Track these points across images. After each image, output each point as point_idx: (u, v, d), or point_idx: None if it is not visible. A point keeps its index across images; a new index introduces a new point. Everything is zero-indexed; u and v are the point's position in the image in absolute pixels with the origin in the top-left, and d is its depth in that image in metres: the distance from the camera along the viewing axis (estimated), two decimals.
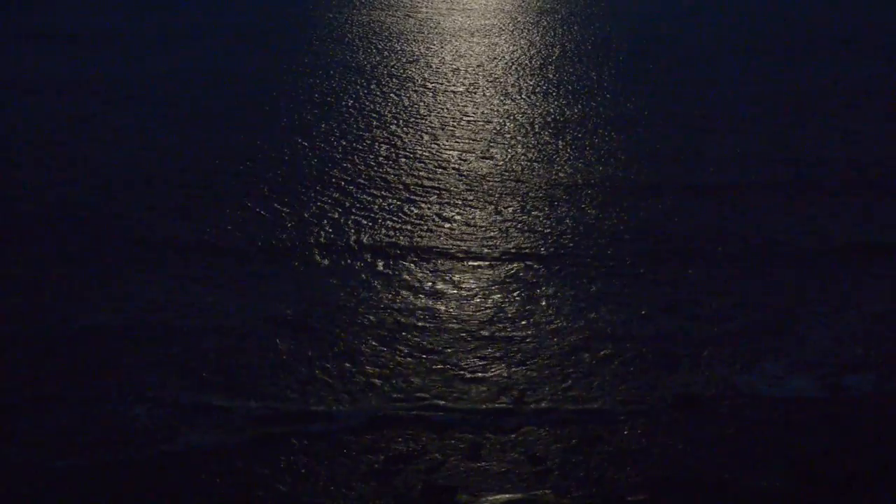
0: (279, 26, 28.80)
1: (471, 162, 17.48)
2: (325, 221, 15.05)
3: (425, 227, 14.57)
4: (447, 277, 13.65)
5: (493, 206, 15.09)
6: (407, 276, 13.51)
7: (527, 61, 23.29)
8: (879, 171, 16.53)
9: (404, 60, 23.04)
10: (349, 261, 14.29)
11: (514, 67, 22.53)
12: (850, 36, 25.76)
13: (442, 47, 25.17)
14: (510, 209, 15.80)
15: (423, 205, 15.87)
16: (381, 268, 13.55)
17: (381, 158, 17.47)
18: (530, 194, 16.15)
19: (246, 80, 22.47)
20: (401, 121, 19.29)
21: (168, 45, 25.54)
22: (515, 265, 13.72)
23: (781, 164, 17.49)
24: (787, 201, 15.69)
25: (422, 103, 20.20)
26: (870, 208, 15.43)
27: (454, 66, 22.86)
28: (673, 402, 12.02)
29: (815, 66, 21.86)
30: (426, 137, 18.59)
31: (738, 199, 15.87)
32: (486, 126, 19.22)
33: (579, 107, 19.70)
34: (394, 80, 22.23)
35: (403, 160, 17.44)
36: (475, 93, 21.79)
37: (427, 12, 32.03)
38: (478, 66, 22.93)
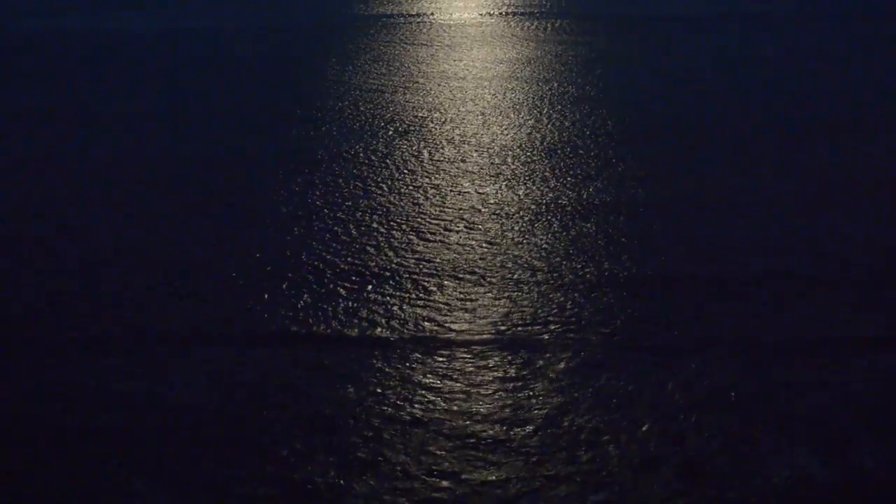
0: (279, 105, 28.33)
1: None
2: (336, 311, 14.00)
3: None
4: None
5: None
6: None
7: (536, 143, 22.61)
8: None
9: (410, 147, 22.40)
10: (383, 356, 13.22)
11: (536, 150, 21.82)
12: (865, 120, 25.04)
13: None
14: (526, 298, 14.75)
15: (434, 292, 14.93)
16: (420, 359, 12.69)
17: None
18: (546, 288, 15.15)
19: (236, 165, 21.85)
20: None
21: (158, 125, 25.10)
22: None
23: (802, 255, 16.53)
24: (807, 296, 14.60)
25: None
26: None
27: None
28: None
29: (833, 148, 21.23)
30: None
31: (758, 293, 14.79)
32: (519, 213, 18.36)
33: (573, 193, 18.82)
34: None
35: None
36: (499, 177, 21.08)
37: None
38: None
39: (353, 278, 15.42)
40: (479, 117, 24.50)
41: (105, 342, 13.53)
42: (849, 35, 35.63)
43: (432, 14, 46.27)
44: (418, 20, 45.15)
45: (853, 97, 27.31)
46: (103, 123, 24.71)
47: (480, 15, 45.55)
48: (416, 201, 18.80)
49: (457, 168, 20.94)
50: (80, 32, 42.54)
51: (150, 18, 46.53)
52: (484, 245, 16.63)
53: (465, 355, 12.86)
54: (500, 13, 46.16)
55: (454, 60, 33.59)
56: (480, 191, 19.44)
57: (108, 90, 29.45)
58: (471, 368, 12.69)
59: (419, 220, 17.99)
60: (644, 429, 12.14)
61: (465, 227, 17.74)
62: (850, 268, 15.62)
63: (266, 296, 14.57)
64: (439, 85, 29.14)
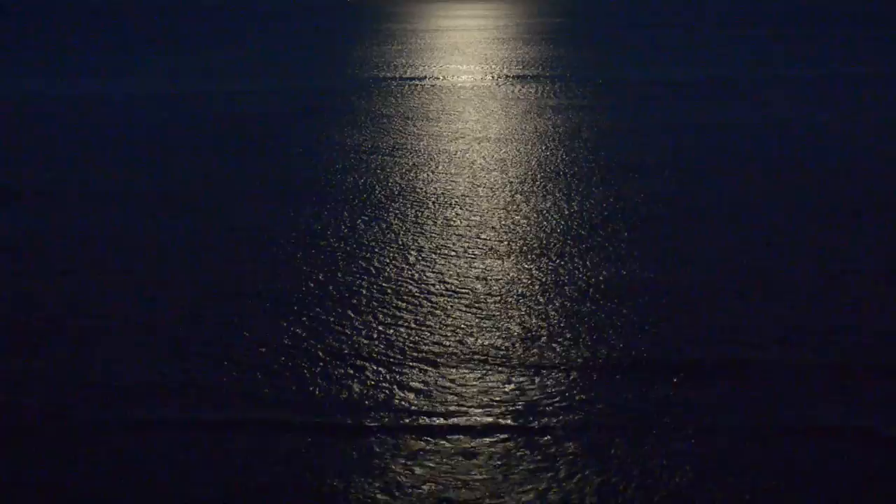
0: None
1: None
2: (340, 393, 13.59)
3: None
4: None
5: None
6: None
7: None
8: None
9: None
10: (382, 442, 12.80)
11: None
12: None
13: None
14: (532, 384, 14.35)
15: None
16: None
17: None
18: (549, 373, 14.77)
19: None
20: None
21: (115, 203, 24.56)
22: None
23: (827, 341, 16.04)
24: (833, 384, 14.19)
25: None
26: None
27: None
28: None
29: (857, 225, 20.75)
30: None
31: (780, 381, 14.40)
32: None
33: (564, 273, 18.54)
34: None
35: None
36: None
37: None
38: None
39: (333, 359, 15.01)
40: (469, 179, 24.38)
41: (90, 427, 13.12)
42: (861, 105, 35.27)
43: (433, 77, 46.42)
44: (418, 83, 45.29)
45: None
46: (77, 200, 24.21)
47: (480, 78, 45.67)
48: (400, 269, 18.53)
49: (442, 230, 20.76)
50: (69, 98, 42.48)
51: (125, 84, 46.61)
52: (479, 320, 16.19)
53: (459, 437, 12.47)
54: (499, 76, 46.26)
55: (450, 122, 33.62)
56: (465, 255, 19.20)
57: (90, 164, 29.20)
58: (470, 446, 12.32)
59: (406, 287, 17.67)
60: None
61: (450, 295, 17.46)
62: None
63: (254, 373, 14.16)
64: (431, 147, 29.09)
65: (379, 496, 11.41)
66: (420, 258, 18.46)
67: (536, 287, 17.09)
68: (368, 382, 13.59)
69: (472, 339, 15.32)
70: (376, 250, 18.96)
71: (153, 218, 21.41)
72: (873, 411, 12.84)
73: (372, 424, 12.71)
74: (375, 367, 14.00)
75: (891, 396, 13.63)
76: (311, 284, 17.04)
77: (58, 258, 19.40)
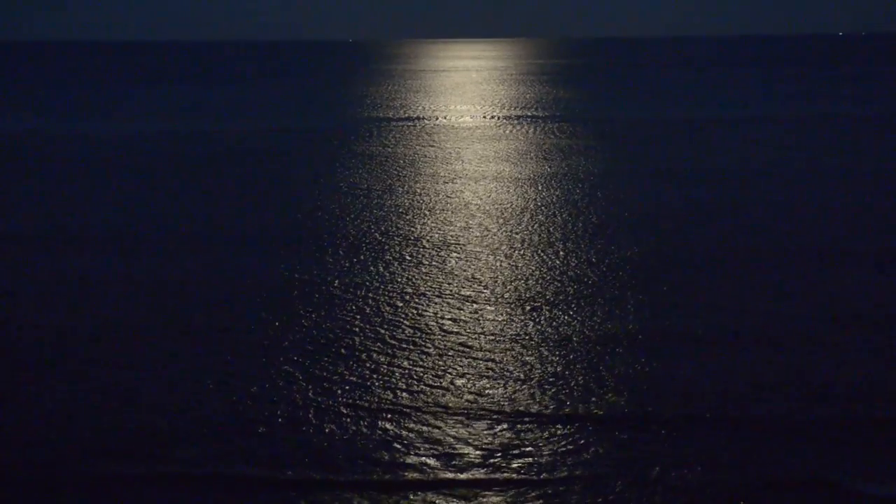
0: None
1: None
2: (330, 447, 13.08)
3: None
4: None
5: None
6: None
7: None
8: None
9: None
10: None
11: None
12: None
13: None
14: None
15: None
16: None
17: None
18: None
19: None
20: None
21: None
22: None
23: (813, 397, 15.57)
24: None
25: None
26: None
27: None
28: None
29: (850, 278, 20.19)
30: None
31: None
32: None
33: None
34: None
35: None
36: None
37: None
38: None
39: (323, 410, 14.31)
40: (463, 220, 24.06)
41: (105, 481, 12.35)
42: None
43: (431, 118, 46.22)
44: (415, 123, 45.23)
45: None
46: (80, 243, 23.51)
47: (478, 118, 45.53)
48: (392, 312, 18.01)
49: (436, 271, 20.33)
50: (69, 137, 42.04)
51: (118, 123, 46.24)
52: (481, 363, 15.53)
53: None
54: (496, 116, 46.18)
55: (446, 162, 33.38)
56: (459, 295, 18.72)
57: (93, 205, 28.55)
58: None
59: (397, 332, 17.14)
60: None
61: (442, 336, 16.94)
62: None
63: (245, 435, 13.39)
64: (427, 186, 28.84)
65: None
66: (414, 298, 18.11)
67: (527, 333, 16.69)
68: (353, 433, 13.12)
69: (462, 382, 14.88)
70: (370, 292, 18.56)
71: (147, 259, 21.00)
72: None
73: (372, 478, 12.18)
74: (367, 418, 13.55)
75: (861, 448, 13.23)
76: (305, 324, 16.63)
77: (42, 301, 18.70)
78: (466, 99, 52.90)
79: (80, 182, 30.31)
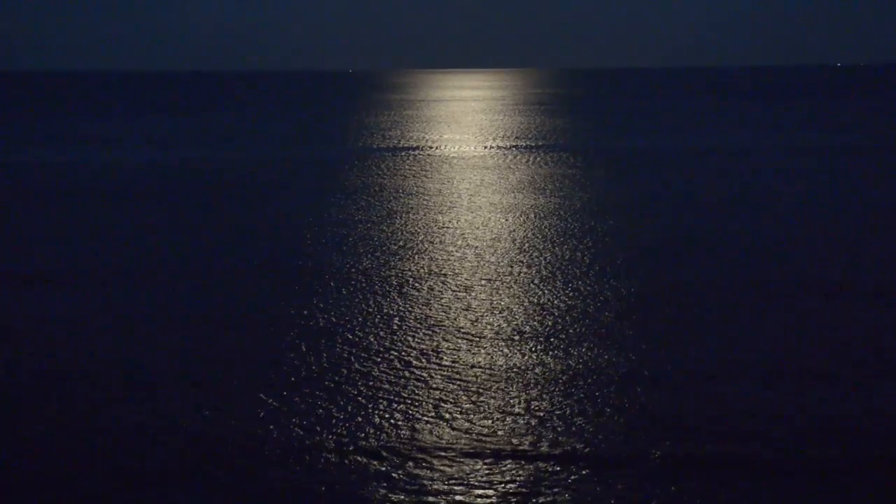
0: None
1: None
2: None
3: None
4: None
5: None
6: None
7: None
8: None
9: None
10: None
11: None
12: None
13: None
14: None
15: None
16: None
17: None
18: None
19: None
20: None
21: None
22: None
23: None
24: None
25: None
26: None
27: None
28: None
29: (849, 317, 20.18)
30: None
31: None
32: None
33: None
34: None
35: None
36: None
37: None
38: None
39: (313, 450, 14.38)
40: (459, 250, 24.16)
41: None
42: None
43: (428, 147, 46.45)
44: (412, 153, 45.41)
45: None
46: (73, 280, 23.45)
47: (475, 148, 45.75)
48: (382, 340, 18.05)
49: (429, 302, 20.33)
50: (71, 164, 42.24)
51: (120, 151, 46.36)
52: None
53: None
54: (493, 146, 46.37)
55: (440, 193, 33.50)
56: (449, 323, 18.78)
57: (92, 244, 28.53)
58: None
59: (387, 357, 17.18)
60: None
61: (433, 369, 17.02)
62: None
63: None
64: (422, 217, 28.98)
65: None
66: (404, 328, 18.14)
67: (521, 368, 16.74)
68: (340, 471, 13.16)
69: (449, 417, 14.95)
70: (362, 323, 18.60)
71: (148, 294, 21.14)
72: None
73: None
74: (353, 455, 13.59)
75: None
76: (292, 355, 16.67)
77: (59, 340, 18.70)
78: (463, 129, 53.15)
79: (56, 216, 30.46)
